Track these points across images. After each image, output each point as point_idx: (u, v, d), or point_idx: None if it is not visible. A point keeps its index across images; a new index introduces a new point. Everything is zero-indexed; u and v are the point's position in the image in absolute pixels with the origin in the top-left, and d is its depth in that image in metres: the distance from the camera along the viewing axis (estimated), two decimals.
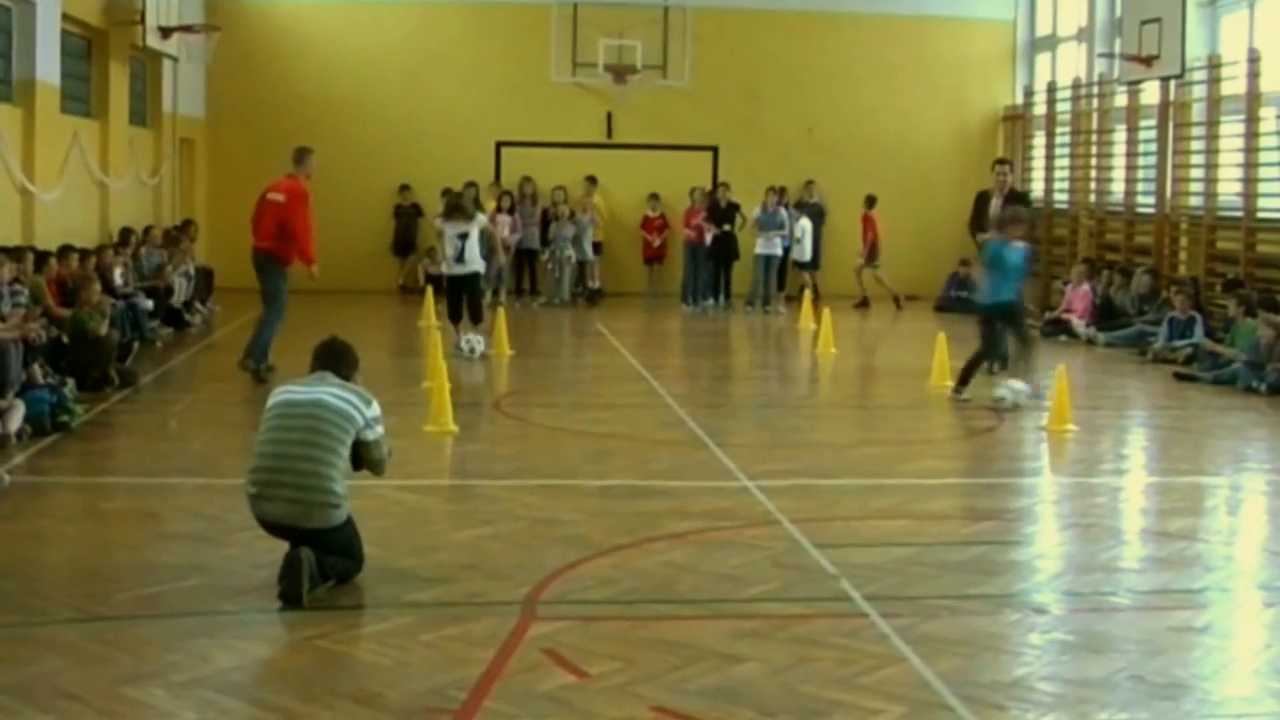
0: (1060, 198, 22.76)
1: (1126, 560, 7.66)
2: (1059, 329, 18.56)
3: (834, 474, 9.81)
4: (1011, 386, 12.33)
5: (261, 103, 23.00)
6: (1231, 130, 17.86)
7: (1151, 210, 19.76)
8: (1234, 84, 17.69)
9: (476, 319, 15.61)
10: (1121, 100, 20.71)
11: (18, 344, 10.64)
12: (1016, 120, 24.32)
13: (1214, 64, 18.23)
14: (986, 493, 9.56)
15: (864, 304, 22.50)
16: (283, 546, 6.47)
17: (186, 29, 20.01)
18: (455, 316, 15.76)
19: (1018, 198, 16.61)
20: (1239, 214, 17.50)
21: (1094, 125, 21.61)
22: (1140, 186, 20.33)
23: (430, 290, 18.75)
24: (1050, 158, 23.06)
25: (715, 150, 23.44)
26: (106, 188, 18.56)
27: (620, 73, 23.07)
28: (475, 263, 15.62)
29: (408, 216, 23.50)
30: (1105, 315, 18.52)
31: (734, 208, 22.11)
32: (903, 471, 9.82)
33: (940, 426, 12.26)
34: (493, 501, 8.58)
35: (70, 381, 11.58)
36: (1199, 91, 18.54)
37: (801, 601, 6.61)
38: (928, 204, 23.60)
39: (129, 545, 7.45)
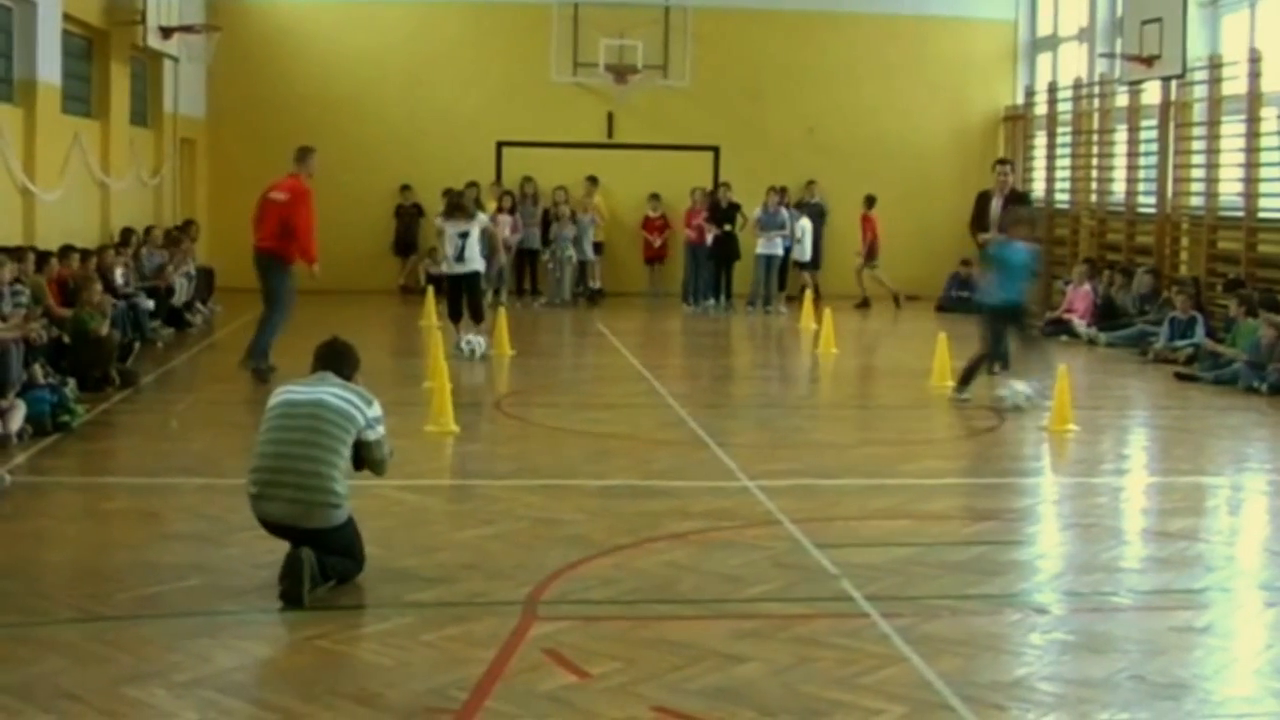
0: (1061, 198, 22.76)
1: (1127, 560, 7.66)
2: (1060, 329, 18.56)
3: (835, 474, 9.81)
4: (1013, 387, 12.32)
5: (262, 103, 23.00)
6: (1232, 130, 17.86)
7: (1153, 210, 19.76)
8: (1235, 84, 17.69)
9: (477, 318, 15.61)
10: (1122, 100, 20.71)
11: (19, 344, 10.63)
12: (1017, 120, 24.32)
13: (1215, 64, 18.23)
14: (987, 493, 9.56)
15: (865, 304, 22.50)
16: (284, 546, 6.47)
17: (187, 29, 20.02)
18: (455, 316, 15.77)
19: (1018, 198, 16.59)
20: (1240, 214, 17.50)
21: (1095, 125, 21.62)
22: (1141, 186, 20.34)
23: (431, 290, 18.74)
24: (1051, 158, 23.07)
25: (716, 150, 23.44)
26: (107, 188, 18.57)
27: (621, 73, 23.07)
28: (476, 262, 15.62)
29: (409, 216, 23.50)
30: (1106, 315, 18.52)
31: (735, 208, 22.11)
32: (904, 471, 9.82)
33: (941, 426, 12.26)
34: (494, 501, 8.58)
35: (71, 381, 11.59)
36: (1200, 91, 18.54)
37: (802, 601, 6.61)
38: (928, 204, 23.59)
39: (130, 545, 7.45)
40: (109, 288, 14.68)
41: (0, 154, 15.07)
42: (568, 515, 8.22)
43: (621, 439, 10.94)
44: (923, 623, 6.20)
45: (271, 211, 13.31)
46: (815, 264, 22.70)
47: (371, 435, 6.74)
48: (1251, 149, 17.16)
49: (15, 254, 13.17)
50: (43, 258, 13.98)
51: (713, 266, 22.16)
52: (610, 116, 23.83)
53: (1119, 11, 20.74)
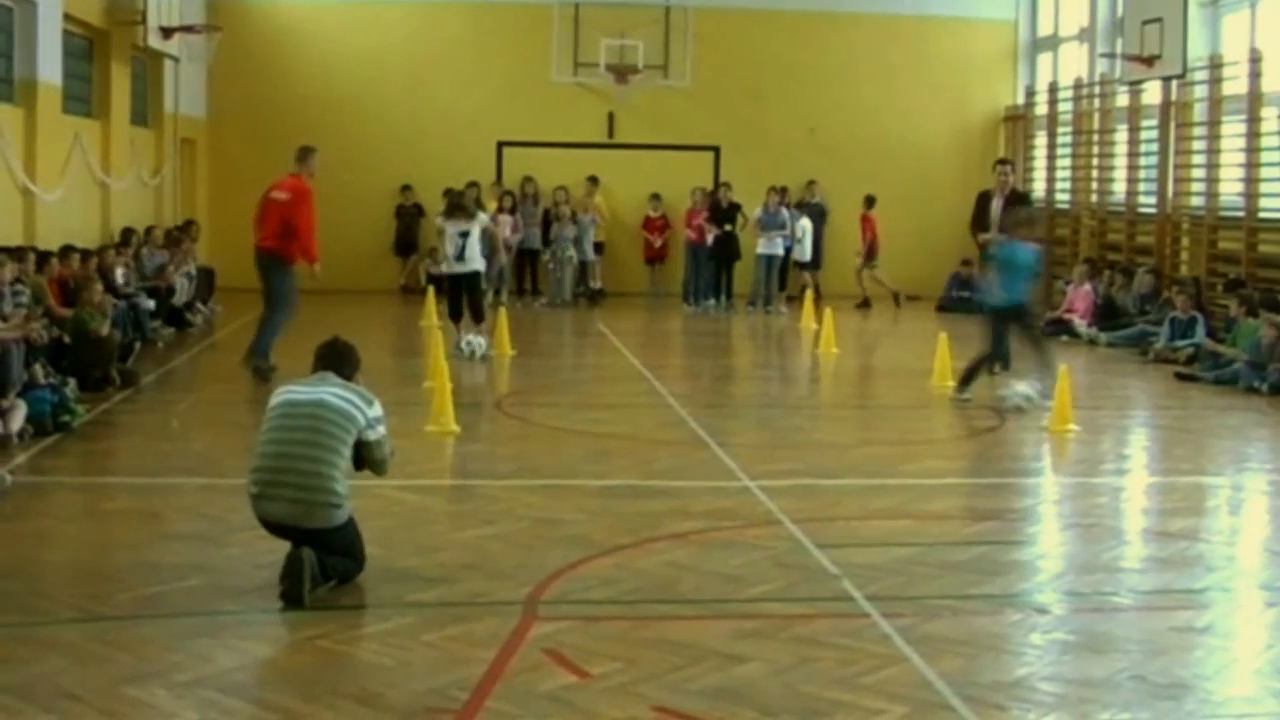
0: (1062, 198, 22.76)
1: (1128, 560, 7.66)
2: (1061, 329, 18.55)
3: (836, 474, 9.81)
4: (1015, 387, 12.32)
5: (263, 103, 23.01)
6: (1233, 130, 17.86)
7: (1153, 210, 19.76)
8: (1235, 84, 17.69)
9: (478, 318, 15.61)
10: (1123, 100, 20.71)
11: (19, 344, 10.63)
12: (1018, 120, 24.32)
13: (1215, 64, 18.23)
14: (988, 493, 9.56)
15: (865, 304, 22.50)
16: (284, 546, 6.47)
17: (188, 29, 20.03)
18: (456, 315, 15.77)
19: (1019, 198, 16.60)
20: (1240, 214, 17.50)
21: (1095, 125, 21.62)
22: (1142, 186, 20.34)
23: (431, 290, 18.74)
24: (1052, 158, 23.07)
25: (717, 150, 23.44)
26: (108, 188, 18.57)
27: (622, 73, 23.08)
28: (476, 261, 15.62)
29: (409, 216, 23.50)
30: (1107, 315, 18.52)
31: (735, 208, 22.11)
32: (904, 471, 9.82)
33: (942, 426, 12.26)
34: (494, 501, 8.58)
35: (72, 381, 11.60)
36: (1200, 91, 18.54)
37: (803, 601, 6.61)
38: (929, 204, 23.60)
39: (130, 545, 7.45)
40: (109, 288, 14.68)
41: (1, 154, 15.07)
42: (568, 515, 8.22)
43: (622, 439, 10.94)
44: (923, 623, 6.20)
45: (273, 211, 13.31)
46: (816, 264, 22.70)
47: (372, 435, 6.74)
48: (1252, 149, 17.16)
49: (16, 254, 13.17)
50: (43, 258, 13.98)
51: (713, 266, 22.16)
52: (611, 116, 23.83)
53: (1119, 11, 20.74)
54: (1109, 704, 5.32)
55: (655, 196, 23.71)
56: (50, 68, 16.25)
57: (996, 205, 15.89)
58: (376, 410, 6.77)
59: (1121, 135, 20.83)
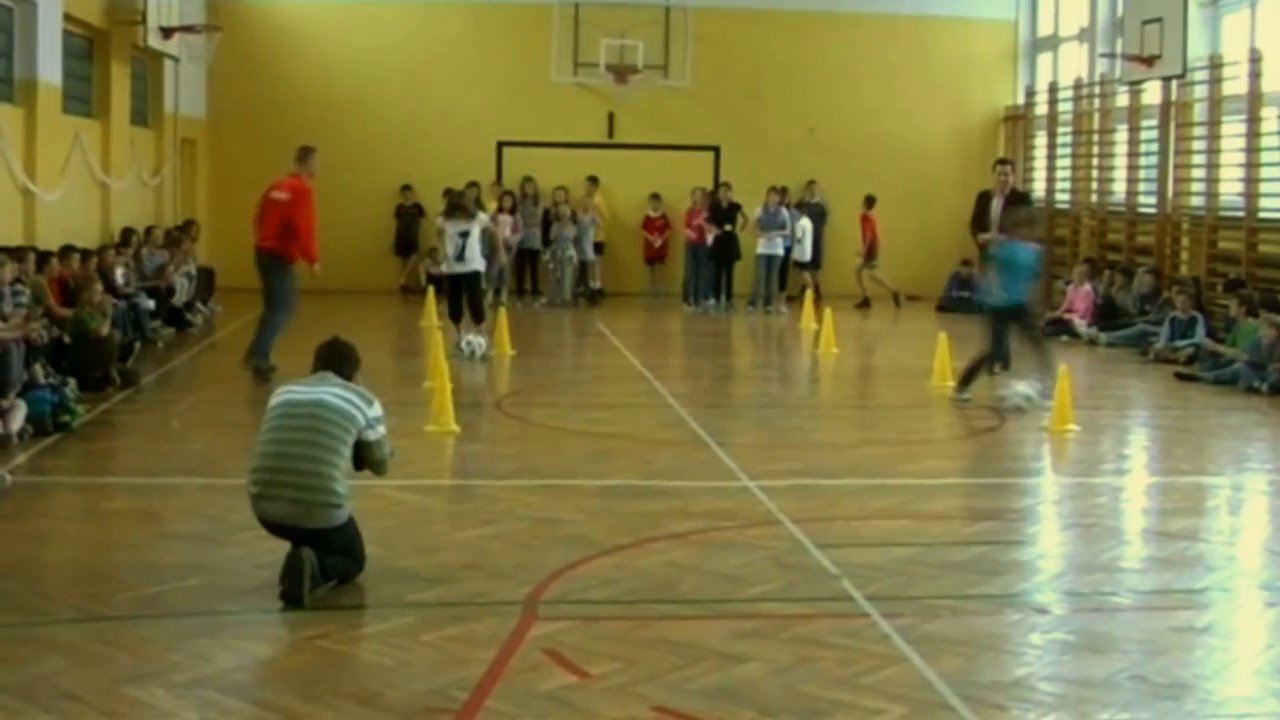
0: (1062, 198, 22.76)
1: (1128, 560, 7.66)
2: (1061, 329, 18.55)
3: (835, 474, 9.81)
4: (1015, 387, 12.32)
5: (263, 103, 23.01)
6: (1233, 130, 17.86)
7: (1153, 210, 19.76)
8: (1235, 84, 17.69)
9: (478, 318, 15.60)
10: (1123, 100, 20.71)
11: (19, 344, 10.64)
12: (1018, 120, 24.32)
13: (1215, 64, 18.23)
14: (988, 493, 9.56)
15: (865, 304, 22.50)
16: (284, 546, 6.47)
17: (188, 29, 20.03)
18: (456, 315, 15.77)
19: (1019, 198, 16.60)
20: (1240, 214, 17.50)
21: (1095, 125, 21.62)
22: (1142, 186, 20.34)
23: (431, 290, 18.74)
24: (1052, 158, 23.07)
25: (717, 150, 23.44)
26: (108, 188, 18.57)
27: (622, 73, 23.08)
28: (476, 261, 15.62)
29: (409, 216, 23.50)
30: (1107, 315, 18.52)
31: (735, 208, 22.11)
32: (904, 471, 9.82)
33: (942, 427, 12.26)
34: (494, 501, 8.59)
35: (72, 381, 11.60)
36: (1200, 91, 18.54)
37: (803, 601, 6.61)
38: (929, 204, 23.60)
39: (130, 545, 7.45)
40: (109, 288, 14.69)
41: (1, 154, 15.07)
42: (568, 515, 8.22)
43: (622, 439, 10.94)
44: (923, 623, 6.20)
45: (273, 211, 13.31)
46: (816, 264, 22.70)
47: (372, 435, 6.74)
48: (1252, 149, 17.16)
49: (16, 254, 13.17)
50: (43, 258, 13.98)
51: (713, 266, 22.16)
52: (611, 116, 23.83)
53: (1119, 11, 20.74)
54: (1109, 704, 5.32)
55: (655, 196, 23.71)
56: (50, 68, 16.26)
57: (996, 205, 15.89)
58: (376, 410, 6.77)
59: (1121, 135, 20.83)
